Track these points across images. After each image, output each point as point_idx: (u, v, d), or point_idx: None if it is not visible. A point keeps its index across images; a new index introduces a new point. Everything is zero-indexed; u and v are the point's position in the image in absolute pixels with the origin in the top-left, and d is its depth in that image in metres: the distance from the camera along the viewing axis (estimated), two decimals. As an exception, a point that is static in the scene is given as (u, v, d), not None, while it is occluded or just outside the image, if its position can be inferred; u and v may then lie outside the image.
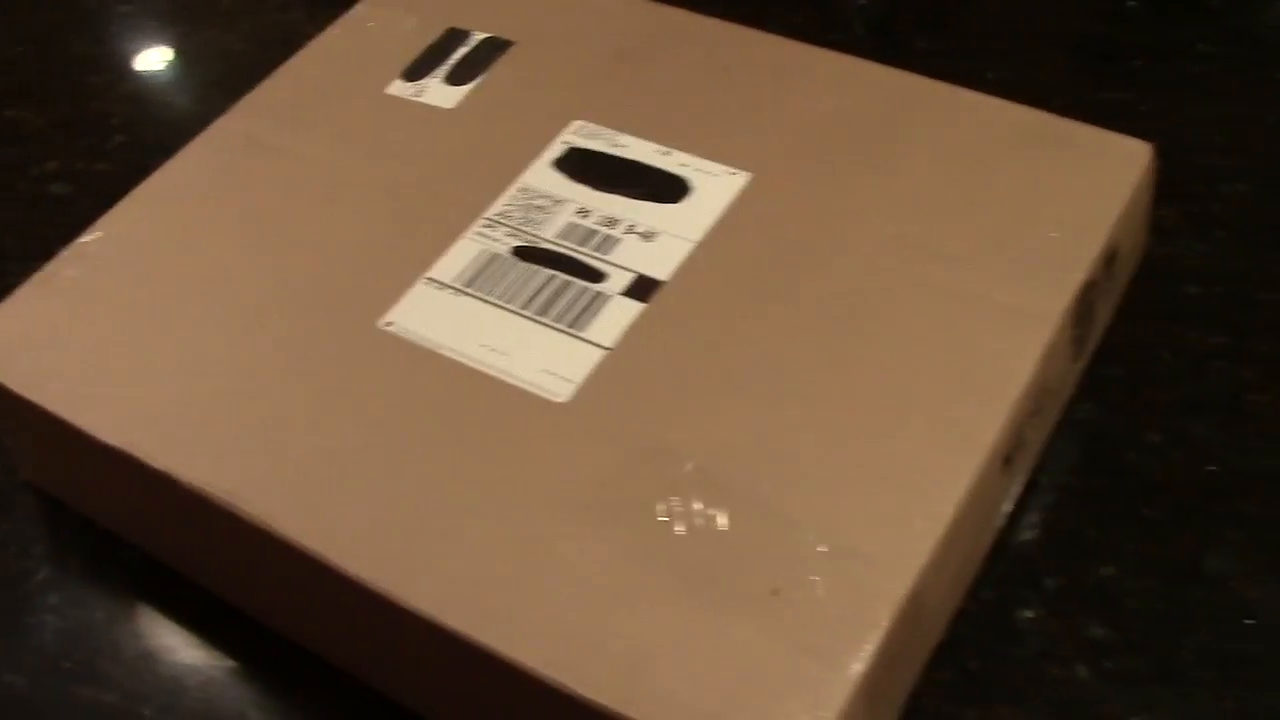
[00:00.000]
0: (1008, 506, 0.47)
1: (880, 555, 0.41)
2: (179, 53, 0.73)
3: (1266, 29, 0.65)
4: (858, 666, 0.39)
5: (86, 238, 0.54)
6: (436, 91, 0.57)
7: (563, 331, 0.47)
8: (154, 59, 0.73)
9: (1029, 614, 0.47)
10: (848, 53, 0.56)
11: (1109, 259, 0.49)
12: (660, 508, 0.42)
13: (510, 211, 0.52)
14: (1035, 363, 0.45)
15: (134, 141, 0.68)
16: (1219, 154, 0.60)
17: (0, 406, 0.51)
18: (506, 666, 0.40)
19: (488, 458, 0.44)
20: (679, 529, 0.42)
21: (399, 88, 0.58)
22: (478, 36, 0.59)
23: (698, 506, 0.42)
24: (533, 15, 0.60)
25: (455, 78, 0.57)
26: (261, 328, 0.49)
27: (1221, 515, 0.49)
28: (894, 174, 0.51)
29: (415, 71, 0.58)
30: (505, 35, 0.59)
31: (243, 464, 0.45)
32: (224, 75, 0.71)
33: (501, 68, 0.58)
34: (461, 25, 0.60)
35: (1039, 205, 0.49)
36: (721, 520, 0.42)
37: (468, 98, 0.56)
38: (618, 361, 0.46)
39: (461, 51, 0.59)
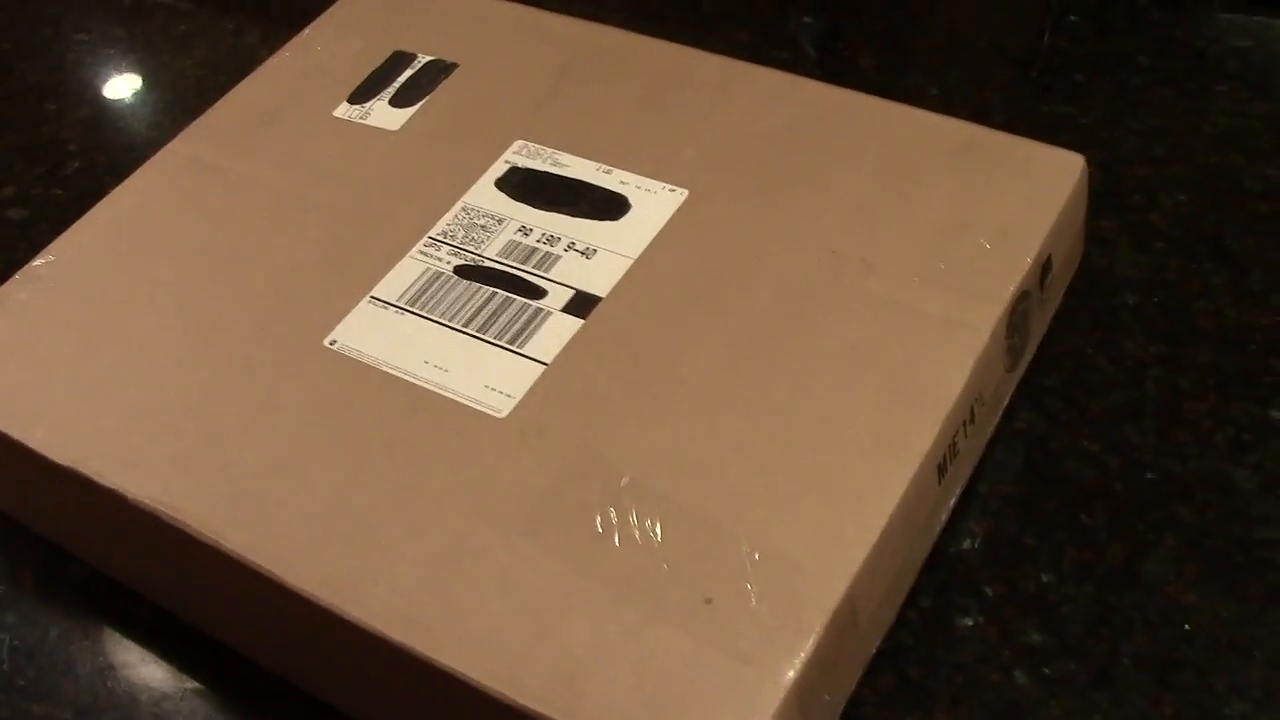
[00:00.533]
0: (944, 515, 0.48)
1: (813, 563, 0.41)
2: (135, 78, 0.74)
3: (1205, 41, 0.66)
4: (790, 673, 0.39)
5: (38, 261, 0.54)
6: (381, 114, 0.58)
7: (503, 348, 0.48)
8: (110, 85, 0.74)
9: (968, 621, 0.48)
10: (793, 70, 0.56)
11: (1042, 269, 0.50)
12: (598, 520, 0.43)
13: (453, 230, 0.52)
14: (968, 373, 0.46)
15: (89, 166, 0.69)
16: (1158, 165, 0.61)
17: (-52, 429, 0.51)
18: (445, 676, 0.40)
19: (430, 472, 0.45)
20: (615, 540, 0.42)
21: (345, 110, 0.58)
22: (422, 59, 0.60)
23: (633, 518, 0.43)
24: (478, 38, 0.60)
25: (400, 100, 0.58)
26: (208, 346, 0.50)
27: (1158, 522, 0.49)
28: (828, 188, 0.51)
29: (361, 94, 0.59)
30: (449, 58, 0.60)
31: (189, 480, 0.46)
32: (179, 100, 0.72)
33: (445, 89, 0.58)
34: (407, 48, 0.60)
35: (972, 217, 0.50)
36: (656, 531, 0.42)
37: (412, 119, 0.57)
38: (556, 377, 0.47)
39: (407, 74, 0.59)
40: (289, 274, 0.52)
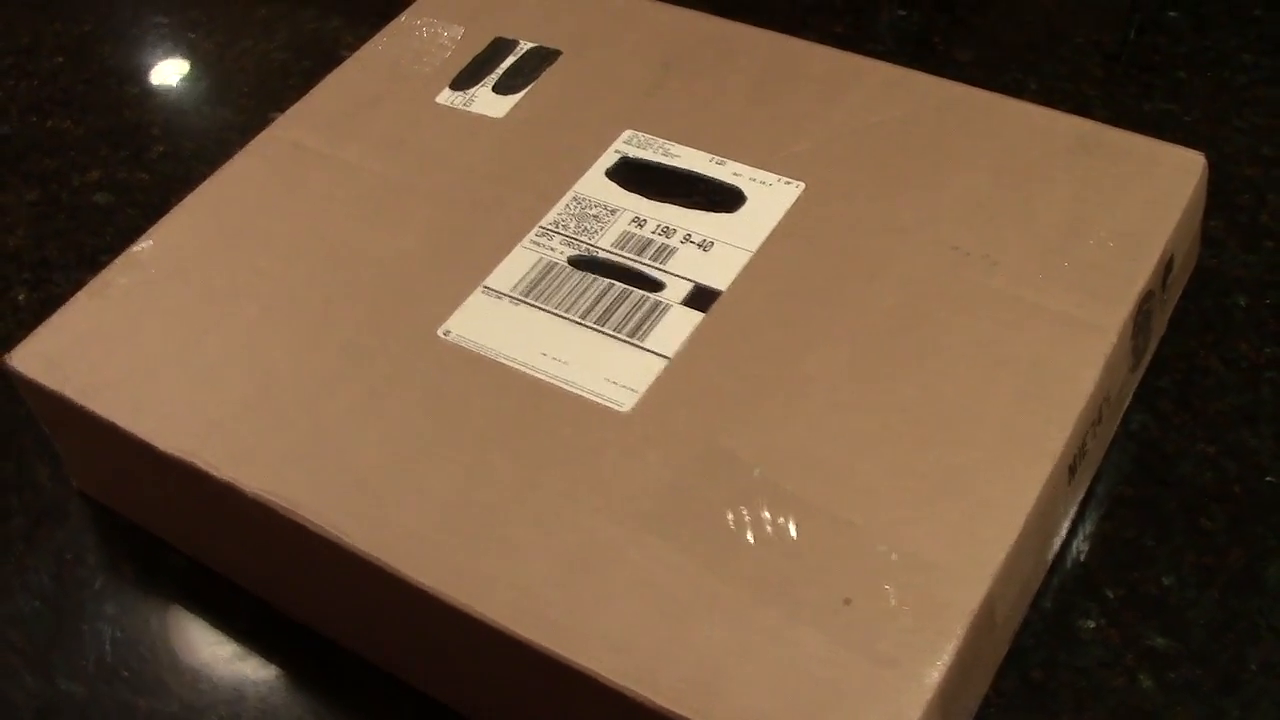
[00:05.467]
0: (1070, 516, 0.47)
1: (951, 565, 0.41)
2: (216, 62, 0.73)
3: (1308, 40, 0.66)
4: (934, 676, 0.38)
5: (138, 246, 0.54)
6: (485, 101, 0.57)
7: (623, 341, 0.47)
8: (192, 69, 0.73)
9: (1090, 624, 0.47)
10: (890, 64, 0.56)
11: (1165, 269, 0.49)
12: (729, 516, 0.42)
13: (564, 220, 0.52)
14: (1098, 373, 0.45)
15: (174, 151, 0.68)
16: (1265, 165, 0.60)
17: (56, 415, 0.51)
18: (579, 676, 0.40)
19: (554, 467, 0.44)
20: (748, 537, 0.42)
21: (448, 97, 0.58)
22: (525, 46, 0.59)
23: (766, 515, 0.42)
24: (579, 25, 0.60)
25: (504, 87, 0.57)
26: (318, 337, 0.49)
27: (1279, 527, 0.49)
28: (947, 184, 0.51)
29: (463, 80, 0.58)
30: (552, 44, 0.59)
31: (304, 474, 0.45)
32: (261, 84, 0.71)
33: (549, 77, 0.58)
34: (508, 35, 0.60)
35: (1094, 215, 0.49)
36: (791, 529, 0.42)
37: (517, 107, 0.57)
38: (679, 371, 0.46)
39: (509, 61, 0.59)
40: (396, 263, 0.51)
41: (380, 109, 0.57)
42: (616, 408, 0.46)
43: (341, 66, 0.60)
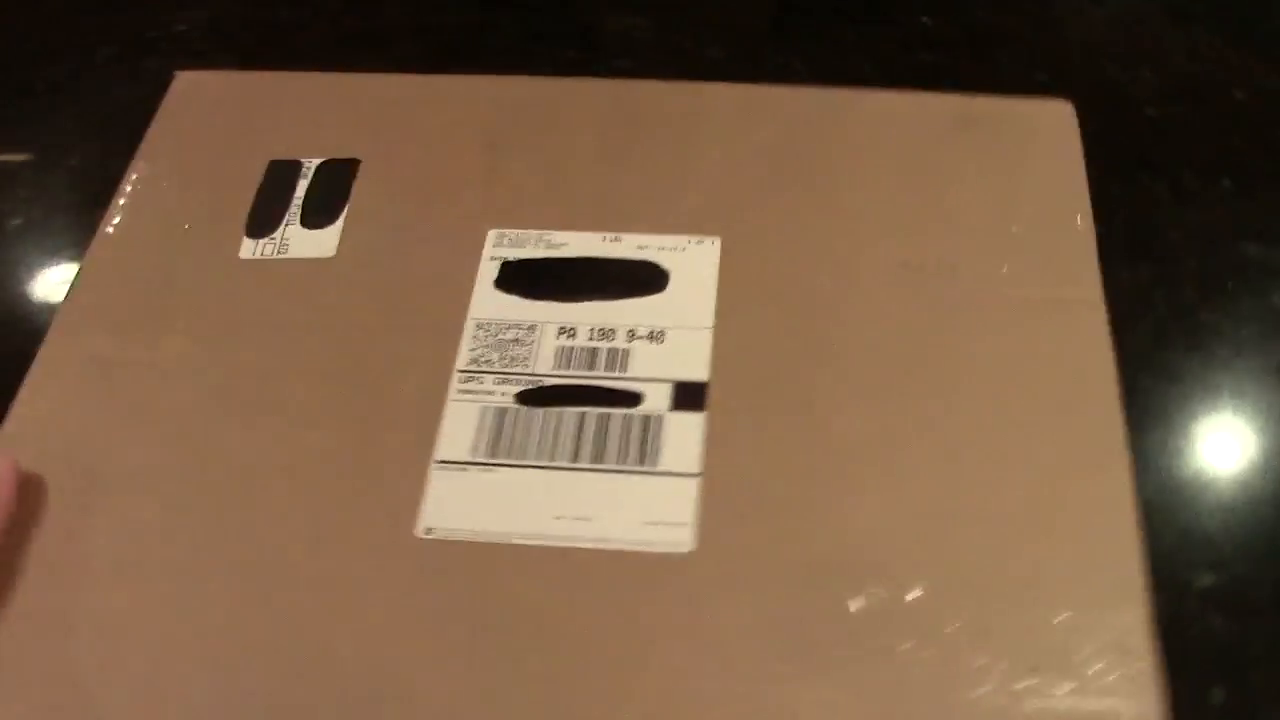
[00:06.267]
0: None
1: (1104, 604, 0.38)
2: None
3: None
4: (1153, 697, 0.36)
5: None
6: (301, 241, 0.48)
7: (635, 472, 0.41)
8: None
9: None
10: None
11: (1089, 221, 0.49)
12: (878, 634, 0.38)
13: (482, 355, 0.44)
14: (1110, 347, 0.44)
15: None
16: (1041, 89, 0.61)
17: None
18: None
19: (637, 639, 0.38)
20: (910, 647, 0.38)
21: (252, 248, 0.48)
22: (311, 164, 0.50)
23: (908, 618, 0.38)
24: (359, 126, 0.51)
25: (313, 219, 0.49)
26: (285, 570, 0.40)
27: None
28: (858, 197, 0.48)
29: (260, 224, 0.49)
30: (340, 154, 0.50)
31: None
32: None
33: (362, 195, 0.49)
34: (281, 155, 0.50)
35: (1013, 192, 0.48)
36: (940, 621, 0.38)
37: (344, 238, 0.48)
38: (718, 484, 0.41)
39: (301, 186, 0.50)
40: (309, 466, 0.42)
41: (178, 286, 0.47)
42: (677, 550, 0.40)
43: (92, 248, 0.49)
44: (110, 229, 0.49)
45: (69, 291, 0.47)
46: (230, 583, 0.40)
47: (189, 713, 0.38)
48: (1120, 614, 0.38)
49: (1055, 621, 0.38)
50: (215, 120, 0.52)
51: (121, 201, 0.50)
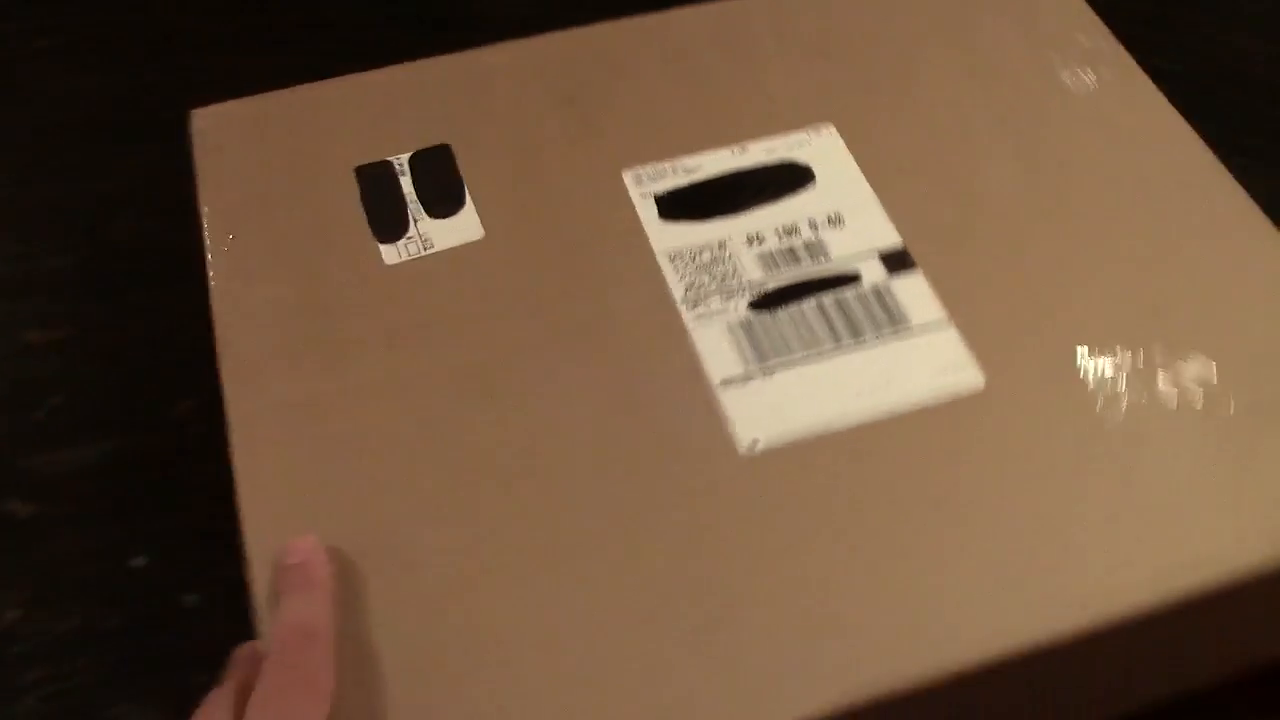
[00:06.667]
0: None
1: None
2: None
3: None
4: None
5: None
6: (441, 232, 0.47)
7: (895, 338, 0.44)
8: None
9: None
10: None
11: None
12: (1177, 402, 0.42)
13: (694, 280, 0.45)
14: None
15: None
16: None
17: None
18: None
19: (989, 466, 0.41)
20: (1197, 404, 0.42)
21: (394, 253, 0.46)
22: (402, 158, 0.49)
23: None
24: (423, 115, 0.50)
25: (439, 208, 0.47)
26: (633, 528, 0.39)
27: None
28: (917, 50, 0.52)
29: (387, 227, 0.47)
30: (424, 144, 0.49)
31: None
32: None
33: (473, 173, 0.48)
34: (356, 161, 0.49)
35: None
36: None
37: (485, 218, 0.47)
38: (971, 325, 0.44)
39: (405, 182, 0.48)
40: (599, 435, 0.42)
41: (333, 316, 0.44)
42: (974, 389, 0.43)
43: (217, 300, 0.45)
44: (221, 279, 0.45)
45: (219, 347, 0.44)
46: (581, 558, 0.39)
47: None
48: None
49: None
50: (263, 147, 0.49)
51: (223, 249, 0.46)
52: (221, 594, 0.47)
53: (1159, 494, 0.40)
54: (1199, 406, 0.42)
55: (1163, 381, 0.42)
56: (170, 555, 0.50)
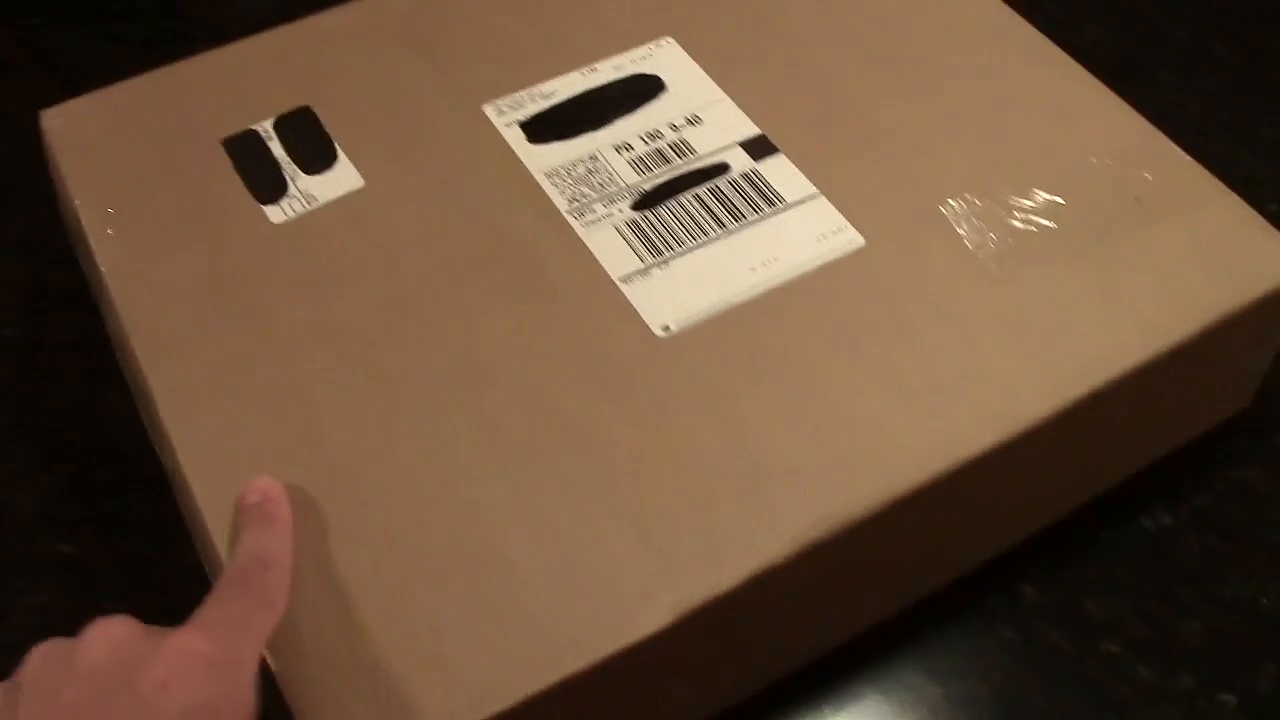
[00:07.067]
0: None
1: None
2: None
3: None
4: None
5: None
6: (320, 185, 0.48)
7: (775, 215, 0.47)
8: None
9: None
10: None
11: None
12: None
13: (575, 190, 0.47)
14: None
15: None
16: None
17: None
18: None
19: (898, 305, 0.44)
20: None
21: (279, 213, 0.47)
22: (266, 125, 0.49)
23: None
24: (273, 83, 0.51)
25: (313, 164, 0.48)
26: (559, 411, 0.42)
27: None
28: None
29: (266, 187, 0.48)
30: (282, 108, 0.50)
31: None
32: None
33: (339, 129, 0.49)
34: (221, 132, 0.49)
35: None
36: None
37: (362, 168, 0.48)
38: (836, 192, 0.47)
39: (274, 146, 0.49)
40: (519, 339, 0.44)
41: (236, 281, 0.45)
42: (854, 247, 0.46)
43: (112, 289, 0.45)
44: (111, 267, 0.46)
45: (124, 330, 0.44)
46: (531, 460, 0.41)
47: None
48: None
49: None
50: (123, 135, 0.49)
51: (107, 239, 0.46)
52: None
53: (1042, 311, 0.44)
54: (1057, 231, 0.46)
55: (1019, 220, 0.46)
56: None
